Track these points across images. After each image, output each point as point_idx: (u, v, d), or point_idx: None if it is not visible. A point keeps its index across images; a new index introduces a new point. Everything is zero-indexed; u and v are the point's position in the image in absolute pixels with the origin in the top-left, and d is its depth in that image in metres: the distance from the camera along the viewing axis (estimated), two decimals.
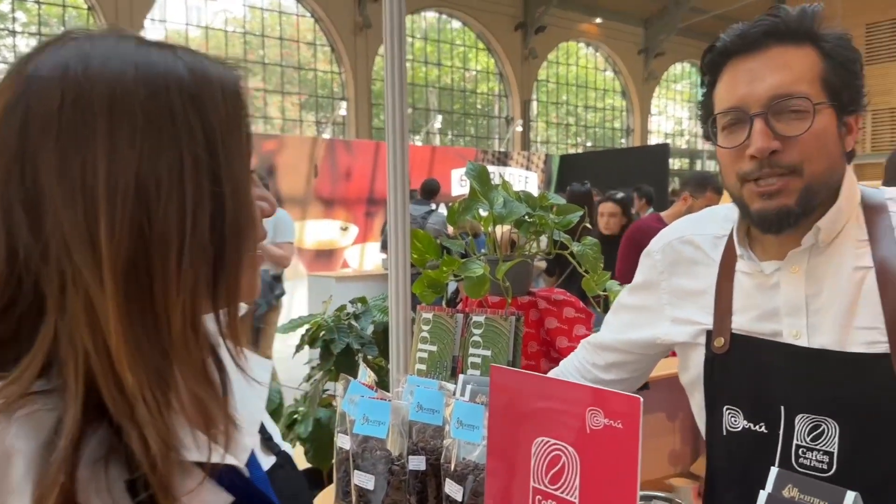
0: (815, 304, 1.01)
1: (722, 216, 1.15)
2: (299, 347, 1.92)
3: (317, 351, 1.95)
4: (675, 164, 16.05)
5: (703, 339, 1.11)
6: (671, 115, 22.08)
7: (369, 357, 1.88)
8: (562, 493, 0.80)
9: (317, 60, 15.25)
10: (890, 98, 15.40)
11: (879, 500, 0.74)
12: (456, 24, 17.42)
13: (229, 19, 14.24)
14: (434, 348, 1.45)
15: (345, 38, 14.92)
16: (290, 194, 9.52)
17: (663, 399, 2.43)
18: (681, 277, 1.17)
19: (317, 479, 1.86)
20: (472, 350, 1.40)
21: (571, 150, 19.08)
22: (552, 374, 1.38)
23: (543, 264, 4.81)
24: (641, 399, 0.73)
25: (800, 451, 0.99)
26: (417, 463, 1.13)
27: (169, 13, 13.32)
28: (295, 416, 1.68)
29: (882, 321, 0.94)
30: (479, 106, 18.15)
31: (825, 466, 0.96)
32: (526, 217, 1.87)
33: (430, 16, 16.88)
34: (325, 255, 9.98)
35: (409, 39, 16.61)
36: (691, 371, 1.15)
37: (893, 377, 0.92)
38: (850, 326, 0.97)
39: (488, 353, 1.38)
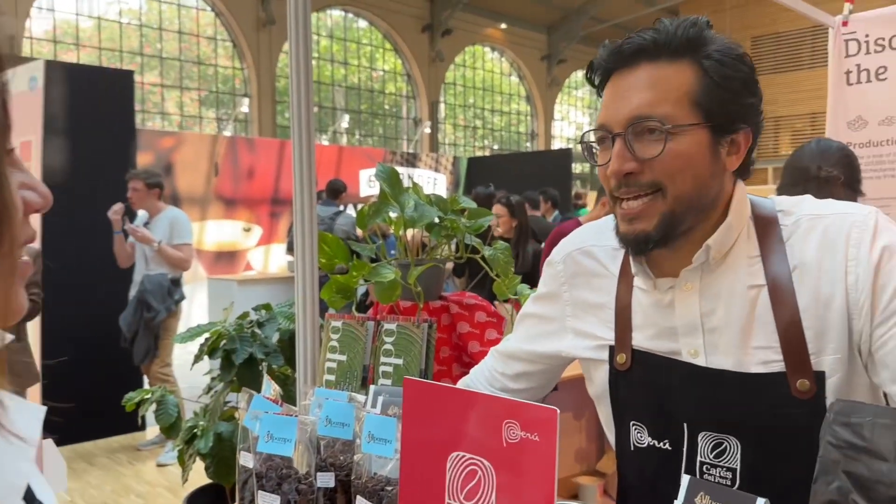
0: (710, 322, 1.00)
1: None
2: (198, 358, 1.81)
3: (218, 361, 1.86)
4: (577, 168, 16.51)
5: (605, 355, 1.10)
6: (573, 121, 22.74)
7: (274, 367, 1.80)
8: None
9: (217, 56, 14.74)
10: (774, 107, 16.40)
11: None
12: (363, 23, 17.28)
13: (124, 10, 13.56)
14: (343, 358, 1.40)
15: (247, 33, 14.50)
16: (188, 193, 9.14)
17: (570, 399, 2.47)
18: (582, 290, 1.15)
19: (219, 495, 1.77)
20: (383, 359, 1.36)
21: (479, 153, 19.31)
22: (461, 383, 1.35)
23: (451, 265, 4.82)
24: (558, 410, 0.72)
25: (704, 468, 0.99)
26: (326, 480, 1.08)
27: (58, 2, 12.54)
28: (195, 430, 1.58)
29: (776, 340, 0.95)
30: (386, 106, 18.06)
31: (729, 482, 0.97)
32: (437, 220, 1.84)
33: (336, 14, 16.67)
34: (226, 257, 9.63)
35: (315, 37, 16.33)
36: (597, 385, 1.14)
37: (790, 395, 0.93)
38: (747, 346, 0.97)
39: (400, 361, 1.34)
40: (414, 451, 0.86)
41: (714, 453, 0.98)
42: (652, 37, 0.97)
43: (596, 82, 1.04)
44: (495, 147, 20.53)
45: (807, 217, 0.99)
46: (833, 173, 2.29)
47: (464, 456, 0.80)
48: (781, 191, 2.31)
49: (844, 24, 3.67)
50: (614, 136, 0.97)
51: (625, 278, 1.09)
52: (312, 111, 1.67)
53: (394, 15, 17.06)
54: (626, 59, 0.98)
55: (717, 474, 0.98)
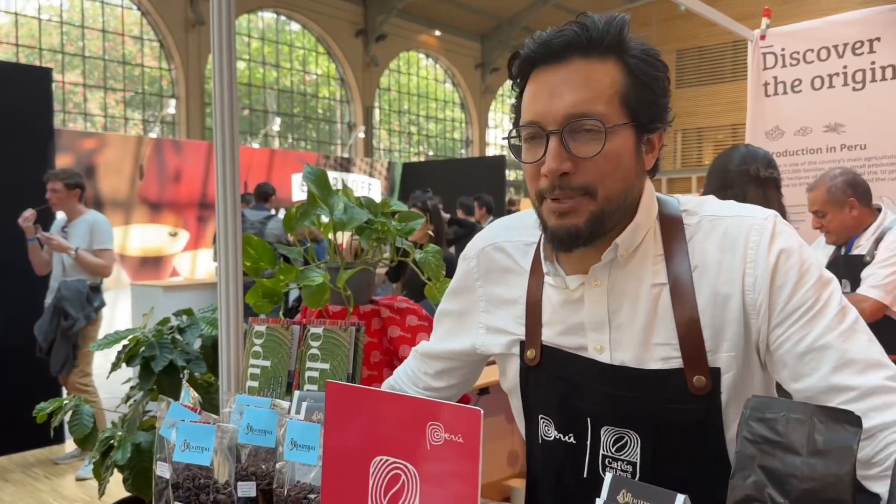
0: (616, 319, 1.01)
1: (533, 221, 1.07)
2: (115, 366, 1.73)
3: (137, 369, 1.78)
4: (510, 175, 16.71)
5: (517, 350, 1.10)
6: (507, 129, 23.00)
7: (196, 375, 1.74)
8: None
9: (144, 56, 14.28)
10: (696, 119, 17.04)
11: None
12: (295, 26, 17.06)
13: (44, 7, 12.98)
14: (267, 363, 1.36)
15: (175, 34, 14.11)
16: (112, 197, 8.80)
17: (502, 402, 2.47)
18: (495, 285, 1.14)
19: None
20: (309, 364, 1.32)
21: (414, 159, 19.31)
22: (385, 384, 1.33)
23: (384, 270, 4.79)
24: (482, 411, 0.71)
25: (606, 461, 1.00)
26: (247, 489, 1.04)
27: None
28: (111, 441, 1.50)
29: (675, 337, 0.96)
30: (320, 111, 17.87)
31: (629, 476, 0.98)
32: (367, 223, 1.82)
33: (268, 16, 16.40)
34: (151, 263, 9.30)
35: (246, 39, 16.03)
36: (509, 379, 1.15)
37: (686, 390, 0.95)
38: (648, 343, 0.98)
39: (327, 366, 1.31)
40: (336, 456, 0.83)
41: (616, 447, 1.00)
42: (584, 32, 0.94)
43: (516, 73, 1.01)
44: (430, 153, 20.58)
45: (708, 218, 1.00)
46: (773, 174, 2.40)
47: (387, 460, 0.78)
48: (708, 193, 2.39)
49: (762, 38, 3.83)
50: (549, 133, 0.94)
51: (536, 274, 1.09)
52: (236, 111, 1.62)
53: (327, 19, 16.91)
54: (557, 52, 0.95)
55: (619, 468, 0.99)
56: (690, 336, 0.95)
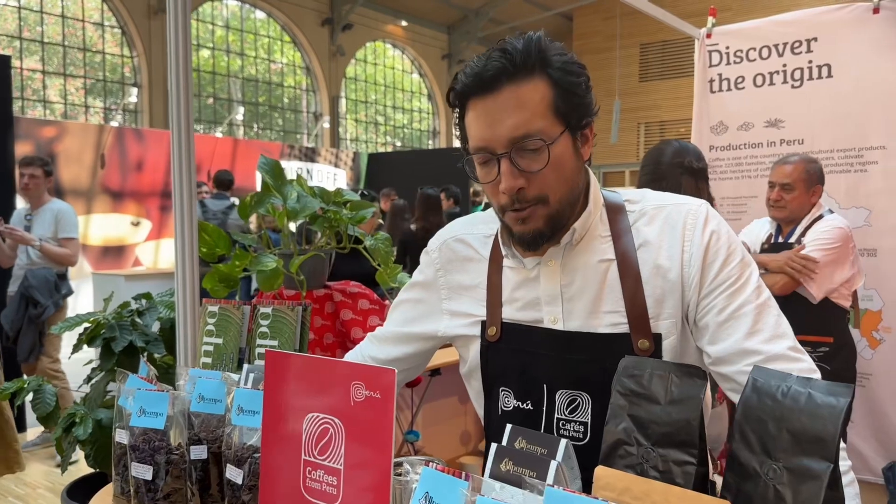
0: (568, 292, 1.15)
1: (490, 217, 1.27)
2: (76, 347, 1.81)
3: (98, 350, 1.87)
4: None
5: (478, 330, 1.23)
6: None
7: (156, 356, 1.83)
8: (328, 462, 0.88)
9: (105, 42, 14.07)
10: (659, 112, 17.33)
11: (606, 461, 0.88)
12: (260, 14, 16.92)
13: None
14: (220, 341, 1.46)
15: (138, 20, 13.92)
16: (73, 186, 8.72)
17: (454, 383, 2.60)
18: (456, 274, 1.28)
19: (101, 485, 1.77)
20: (259, 341, 1.43)
21: (381, 149, 19.33)
22: None
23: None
24: (396, 370, 0.83)
25: (560, 424, 1.13)
26: (199, 452, 1.15)
27: None
28: (74, 417, 1.59)
29: (622, 305, 1.11)
30: (286, 100, 17.77)
31: (581, 435, 1.11)
32: (320, 211, 1.92)
33: (233, 4, 16.25)
34: (113, 252, 9.25)
35: (210, 27, 15.87)
36: (470, 361, 1.27)
37: (632, 352, 1.09)
38: (598, 311, 1.13)
39: (276, 343, 1.41)
40: (275, 415, 0.95)
41: (569, 409, 1.13)
42: (507, 59, 1.05)
43: (453, 103, 1.13)
44: (397, 144, 20.62)
45: (651, 206, 1.16)
46: (703, 166, 2.55)
47: (318, 416, 0.89)
48: (642, 185, 2.54)
49: (708, 36, 4.00)
50: (499, 157, 1.07)
51: (495, 261, 1.23)
52: (192, 97, 1.70)
53: (292, 7, 16.81)
54: (488, 83, 1.06)
55: (572, 428, 1.12)
56: (635, 304, 1.10)
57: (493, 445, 0.83)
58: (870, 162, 3.42)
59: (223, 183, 6.73)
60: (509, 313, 1.20)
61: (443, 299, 1.30)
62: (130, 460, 1.12)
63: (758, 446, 0.75)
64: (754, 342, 1.05)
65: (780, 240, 3.06)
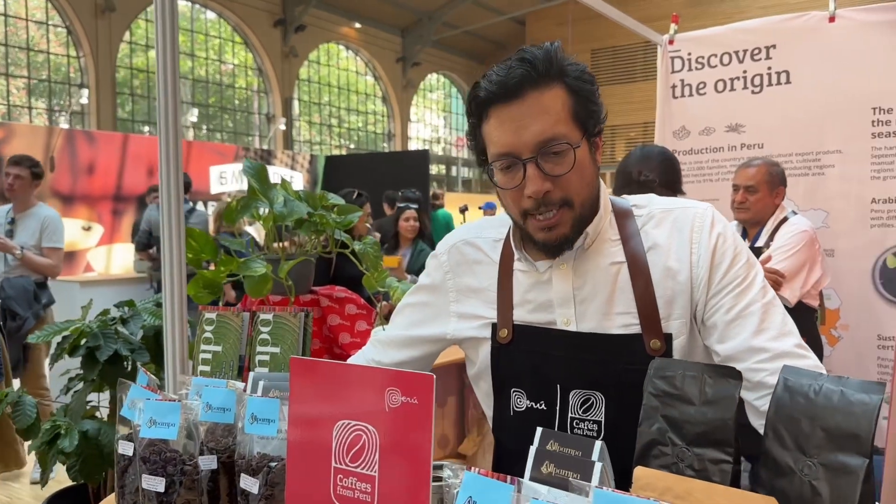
0: (580, 294, 1.17)
1: (498, 222, 1.30)
2: (57, 357, 1.76)
3: (74, 361, 1.81)
4: (433, 169, 16.86)
5: (488, 332, 1.24)
6: (429, 123, 23.16)
7: (139, 364, 1.79)
8: (362, 469, 0.87)
9: (49, 42, 13.63)
10: (610, 117, 17.52)
11: (640, 461, 0.90)
12: (211, 15, 16.64)
13: None
14: (219, 348, 1.43)
15: (84, 20, 13.53)
16: None
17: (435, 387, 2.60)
18: (465, 276, 1.29)
19: (80, 497, 1.72)
20: (259, 348, 1.40)
21: (336, 152, 19.19)
22: None
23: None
24: (434, 376, 0.83)
25: (574, 423, 1.15)
26: (208, 462, 1.12)
27: None
28: (58, 430, 1.54)
29: (634, 307, 1.14)
30: (237, 101, 17.50)
31: (595, 434, 1.13)
32: (307, 217, 1.90)
33: (182, 4, 15.93)
34: (65, 258, 8.96)
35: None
36: (479, 363, 1.28)
37: (644, 352, 1.11)
38: (610, 313, 1.15)
39: (277, 350, 1.39)
40: (301, 422, 0.93)
41: (583, 408, 1.14)
42: (530, 66, 1.08)
43: (475, 111, 1.14)
44: (352, 146, 20.49)
45: (658, 210, 1.20)
46: (650, 177, 2.57)
47: (349, 423, 0.89)
48: (615, 193, 2.58)
49: (671, 42, 4.09)
50: (525, 161, 1.09)
51: (505, 264, 1.25)
52: (179, 103, 1.67)
53: (244, 8, 16.57)
54: (513, 90, 1.08)
55: (585, 427, 1.14)
56: (647, 305, 1.13)
57: (533, 449, 0.84)
58: (827, 165, 3.55)
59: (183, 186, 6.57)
60: (521, 315, 1.21)
61: (451, 302, 1.30)
62: (141, 472, 1.09)
63: (792, 444, 0.77)
64: (762, 340, 1.08)
65: (747, 243, 3.15)
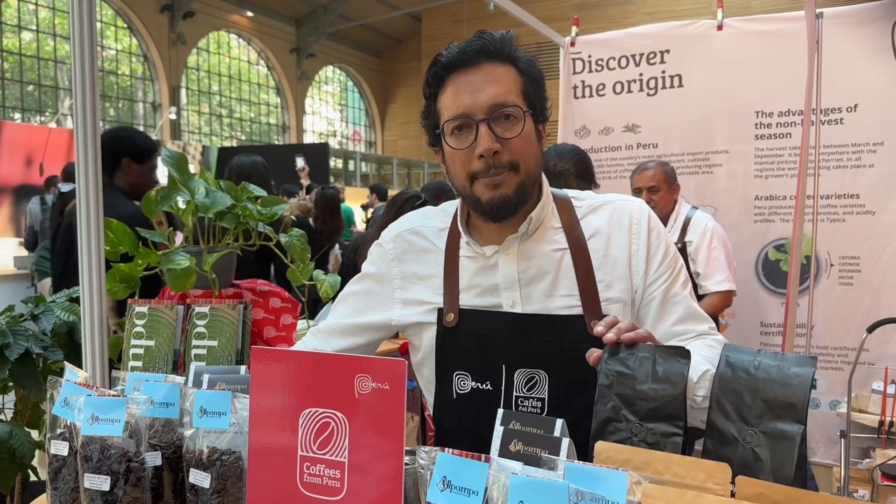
0: (525, 277, 1.24)
1: (442, 212, 1.36)
2: None
3: None
4: (332, 163, 16.63)
5: (433, 317, 1.28)
6: (324, 116, 22.80)
7: (49, 361, 1.69)
8: (330, 456, 0.88)
9: None
10: None
11: (577, 433, 0.96)
12: None
13: None
14: (151, 343, 1.38)
15: None
16: None
17: None
18: (411, 264, 1.33)
19: None
20: (195, 342, 1.37)
21: (226, 143, 18.54)
22: None
23: None
24: (406, 362, 0.85)
25: (519, 401, 1.21)
26: (153, 458, 1.09)
27: None
28: None
29: (576, 290, 1.22)
30: (117, 88, 16.58)
31: (538, 410, 1.19)
32: (230, 208, 1.85)
33: None
34: None
35: (33, 7, 14.46)
36: (423, 349, 1.32)
37: (585, 332, 1.19)
38: (554, 295, 1.23)
39: (214, 343, 1.36)
40: (264, 413, 0.93)
41: (527, 387, 1.20)
42: (487, 42, 1.18)
43: (433, 78, 1.22)
44: (243, 138, 19.88)
45: (597, 201, 1.30)
46: (565, 167, 2.73)
47: (316, 411, 0.89)
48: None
49: (572, 44, 4.25)
50: (478, 122, 1.17)
51: (451, 251, 1.29)
52: (98, 91, 1.59)
53: None
54: (471, 58, 1.19)
55: (530, 404, 1.20)
56: (588, 288, 1.21)
57: (499, 428, 0.87)
58: (715, 164, 3.81)
59: (71, 175, 6.19)
60: (467, 300, 1.26)
61: (395, 289, 1.33)
62: (84, 472, 1.04)
63: (735, 415, 0.85)
64: (686, 325, 1.23)
65: None
